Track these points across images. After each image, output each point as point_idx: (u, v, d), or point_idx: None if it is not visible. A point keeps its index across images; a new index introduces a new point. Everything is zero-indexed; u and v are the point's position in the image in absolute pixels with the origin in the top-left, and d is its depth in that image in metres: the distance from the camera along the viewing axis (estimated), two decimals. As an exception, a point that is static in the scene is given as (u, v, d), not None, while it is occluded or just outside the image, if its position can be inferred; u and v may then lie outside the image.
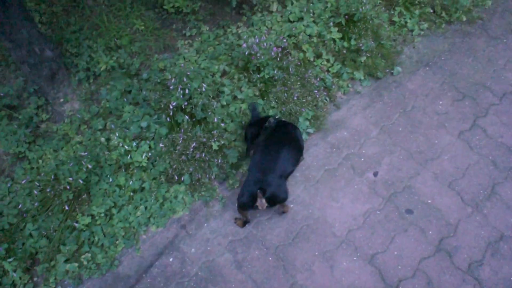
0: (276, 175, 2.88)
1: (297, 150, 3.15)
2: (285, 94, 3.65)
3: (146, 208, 3.16)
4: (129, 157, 3.24)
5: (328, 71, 4.05)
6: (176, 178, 3.29)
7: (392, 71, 4.16)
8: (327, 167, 3.51)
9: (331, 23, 4.15)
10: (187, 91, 3.33)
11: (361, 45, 4.03)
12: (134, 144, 3.31)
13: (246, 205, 2.87)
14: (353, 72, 4.08)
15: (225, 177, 3.39)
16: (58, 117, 3.73)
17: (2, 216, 3.04)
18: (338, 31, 4.13)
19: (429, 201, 3.31)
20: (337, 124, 3.80)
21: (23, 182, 3.17)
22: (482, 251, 3.06)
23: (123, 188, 3.20)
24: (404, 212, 3.26)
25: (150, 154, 3.29)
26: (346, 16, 4.10)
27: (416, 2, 4.49)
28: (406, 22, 4.49)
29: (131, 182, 3.19)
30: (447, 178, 3.44)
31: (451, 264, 3.02)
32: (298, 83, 3.74)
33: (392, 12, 4.56)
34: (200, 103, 3.38)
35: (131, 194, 3.18)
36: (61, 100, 3.78)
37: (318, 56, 4.09)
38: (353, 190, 3.38)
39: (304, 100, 3.70)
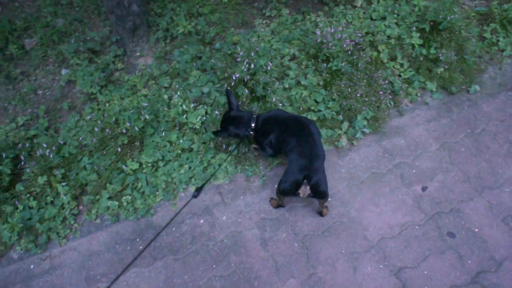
0: (322, 162, 2.85)
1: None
2: (349, 89, 3.59)
3: (190, 168, 3.29)
4: (185, 117, 3.38)
5: (399, 75, 3.91)
6: (224, 147, 3.38)
7: (469, 89, 3.93)
8: (375, 171, 3.42)
9: (414, 28, 3.99)
10: (252, 66, 3.40)
11: (440, 55, 3.84)
12: (192, 106, 3.45)
13: (288, 192, 2.87)
14: (425, 81, 3.91)
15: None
16: (131, 68, 3.97)
17: (65, 145, 3.32)
18: (419, 37, 3.97)
19: (476, 230, 3.12)
20: (395, 130, 3.67)
21: (88, 118, 3.44)
22: (522, 295, 2.84)
23: (173, 144, 3.36)
24: (446, 234, 3.10)
25: (205, 118, 3.41)
26: (431, 23, 3.92)
27: (515, 21, 4.18)
28: (498, 41, 4.20)
29: (181, 141, 3.34)
30: (503, 211, 3.20)
31: (483, 298, 2.84)
32: (365, 80, 3.66)
33: (485, 28, 4.28)
34: (262, 80, 3.43)
35: (179, 152, 3.33)
36: (137, 54, 4.03)
37: (393, 58, 3.96)
38: (397, 199, 3.27)
39: (367, 99, 3.62)
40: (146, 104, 3.41)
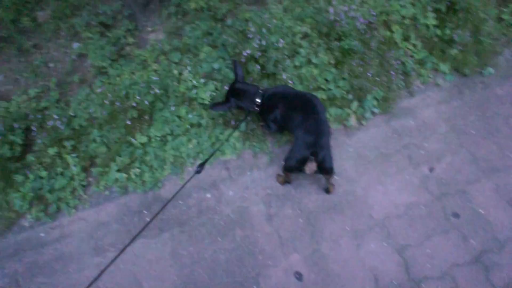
0: (328, 138, 2.85)
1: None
2: (360, 69, 3.56)
3: (198, 143, 3.32)
4: (195, 92, 3.40)
5: (412, 56, 3.86)
6: (233, 123, 3.40)
7: (482, 71, 3.86)
8: (383, 151, 3.41)
9: (430, 8, 3.91)
10: (264, 42, 3.38)
11: (455, 35, 3.77)
12: (203, 81, 3.45)
13: (294, 168, 2.89)
14: (438, 63, 3.85)
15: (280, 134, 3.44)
16: (142, 43, 3.98)
17: (76, 117, 3.37)
18: (435, 17, 3.89)
19: (481, 211, 3.12)
20: (405, 112, 3.64)
21: (99, 90, 3.47)
22: (525, 277, 2.85)
23: (182, 119, 3.38)
24: (450, 215, 3.10)
25: (214, 94, 3.42)
26: (448, 3, 3.84)
27: (535, 2, 4.07)
28: (516, 22, 4.10)
29: (190, 116, 3.36)
30: (510, 193, 3.19)
31: (485, 278, 2.85)
32: (377, 60, 3.62)
33: (504, 9, 4.18)
34: (273, 57, 3.42)
35: (188, 127, 3.35)
36: (149, 29, 4.03)
37: (406, 38, 3.90)
38: (403, 179, 3.27)
39: (378, 79, 3.59)
40: (157, 78, 3.43)
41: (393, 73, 3.67)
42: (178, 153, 3.30)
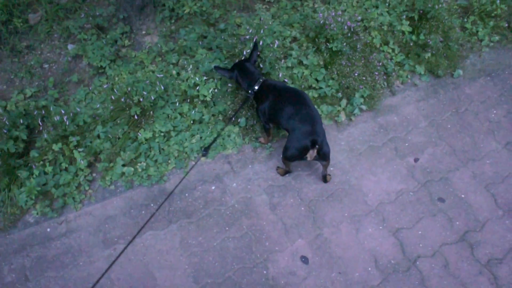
0: (322, 126, 3.06)
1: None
2: (348, 69, 3.86)
3: (201, 138, 3.45)
4: (196, 89, 3.54)
5: (391, 59, 4.21)
6: (233, 119, 3.57)
7: (453, 73, 4.28)
8: (372, 144, 3.69)
9: (404, 16, 4.30)
10: (261, 43, 3.60)
11: (429, 40, 4.17)
12: (204, 78, 3.60)
13: (296, 157, 3.08)
14: (415, 65, 4.22)
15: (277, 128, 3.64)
16: (138, 46, 4.08)
17: (79, 114, 3.41)
18: (409, 24, 4.28)
19: (463, 195, 3.44)
20: (389, 109, 3.96)
21: (104, 86, 3.53)
22: (504, 252, 3.17)
23: (184, 116, 3.51)
24: (436, 200, 3.41)
25: (216, 91, 3.58)
26: (421, 11, 4.24)
27: (493, 14, 4.56)
28: (477, 31, 4.57)
29: (193, 112, 3.49)
30: (485, 180, 3.55)
31: (471, 255, 3.15)
32: (362, 61, 3.93)
33: (465, 19, 4.65)
34: (269, 58, 3.64)
35: (191, 123, 3.48)
36: (143, 32, 4.14)
37: (385, 43, 4.25)
38: (392, 169, 3.56)
39: (364, 78, 3.89)
40: (161, 76, 3.55)
41: (376, 73, 3.99)
42: (182, 148, 3.42)
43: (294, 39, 4.11)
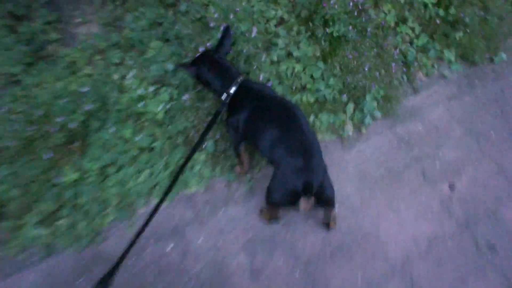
0: (321, 157, 2.07)
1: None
2: (355, 62, 2.80)
3: (152, 174, 2.45)
4: (142, 104, 2.50)
5: (411, 42, 3.14)
6: (201, 143, 2.54)
7: (493, 58, 3.22)
8: (390, 165, 2.69)
9: (426, -17, 3.20)
10: (232, 32, 2.53)
11: (462, 15, 3.08)
12: (152, 89, 2.56)
13: (282, 203, 2.10)
14: (442, 50, 3.16)
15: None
16: (70, 40, 2.99)
17: (-29, 150, 2.39)
18: (433, -6, 3.19)
19: (520, 238, 2.48)
20: (411, 113, 2.93)
21: (2, 110, 2.48)
22: None
23: (128, 142, 2.48)
24: (485, 246, 2.44)
25: (169, 106, 2.55)
26: (450, -25, 3.14)
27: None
28: (524, -2, 3.47)
29: (139, 137, 2.47)
30: (548, 211, 2.58)
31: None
32: (375, 49, 2.87)
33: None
34: (244, 51, 2.58)
35: (137, 153, 2.46)
36: (77, 20, 3.04)
37: (403, 21, 3.17)
38: (420, 202, 2.57)
39: (378, 73, 2.84)
40: (87, 89, 2.50)
41: (393, 64, 2.94)
42: (125, 190, 2.41)
43: (281, 20, 3.02)
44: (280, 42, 2.85)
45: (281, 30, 2.91)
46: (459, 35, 3.17)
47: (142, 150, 2.50)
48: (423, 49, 3.14)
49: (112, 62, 2.81)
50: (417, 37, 3.14)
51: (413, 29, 3.17)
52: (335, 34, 2.81)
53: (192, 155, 2.06)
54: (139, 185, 2.42)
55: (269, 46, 2.85)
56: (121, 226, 2.39)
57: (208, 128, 2.14)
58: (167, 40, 2.88)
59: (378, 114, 2.81)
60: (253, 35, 2.66)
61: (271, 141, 2.07)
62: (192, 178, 2.50)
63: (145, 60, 2.75)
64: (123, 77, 2.72)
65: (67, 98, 2.44)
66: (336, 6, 2.75)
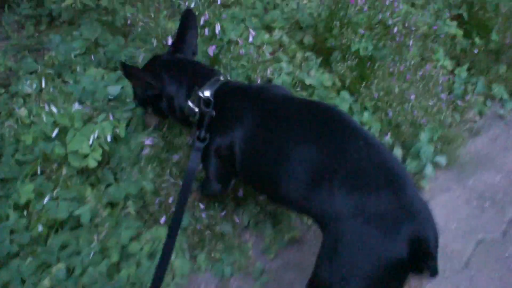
0: (414, 186, 1.09)
1: None
2: (396, 88, 1.92)
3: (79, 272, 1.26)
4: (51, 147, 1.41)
5: (453, 72, 2.37)
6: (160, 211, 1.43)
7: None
8: (483, 237, 1.66)
9: (448, 15, 2.57)
10: (217, 28, 1.61)
11: (508, 41, 2.39)
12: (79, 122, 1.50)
13: None
14: (490, 85, 2.40)
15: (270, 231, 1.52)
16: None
17: None
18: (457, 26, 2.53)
19: None
20: (479, 159, 2.02)
21: None
22: None
23: (30, 216, 1.32)
24: None
25: (107, 147, 1.47)
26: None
27: None
28: None
29: (48, 202, 1.32)
30: None
31: None
32: (419, 73, 2.03)
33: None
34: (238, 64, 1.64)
35: (49, 229, 1.29)
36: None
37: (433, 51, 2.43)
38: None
39: (429, 107, 1.96)
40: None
41: (442, 95, 2.09)
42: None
43: (280, 44, 2.17)
44: (284, 67, 1.96)
45: (282, 55, 2.04)
46: (502, 68, 2.46)
47: (62, 224, 1.33)
48: (468, 82, 2.37)
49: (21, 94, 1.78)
50: (458, 69, 2.39)
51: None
52: (361, 53, 1.96)
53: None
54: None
55: (268, 66, 1.94)
56: None
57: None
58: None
59: (442, 161, 1.86)
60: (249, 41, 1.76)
61: (307, 173, 1.08)
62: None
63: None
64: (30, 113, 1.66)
65: None
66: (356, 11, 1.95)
